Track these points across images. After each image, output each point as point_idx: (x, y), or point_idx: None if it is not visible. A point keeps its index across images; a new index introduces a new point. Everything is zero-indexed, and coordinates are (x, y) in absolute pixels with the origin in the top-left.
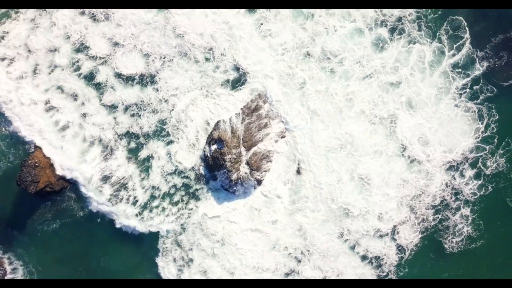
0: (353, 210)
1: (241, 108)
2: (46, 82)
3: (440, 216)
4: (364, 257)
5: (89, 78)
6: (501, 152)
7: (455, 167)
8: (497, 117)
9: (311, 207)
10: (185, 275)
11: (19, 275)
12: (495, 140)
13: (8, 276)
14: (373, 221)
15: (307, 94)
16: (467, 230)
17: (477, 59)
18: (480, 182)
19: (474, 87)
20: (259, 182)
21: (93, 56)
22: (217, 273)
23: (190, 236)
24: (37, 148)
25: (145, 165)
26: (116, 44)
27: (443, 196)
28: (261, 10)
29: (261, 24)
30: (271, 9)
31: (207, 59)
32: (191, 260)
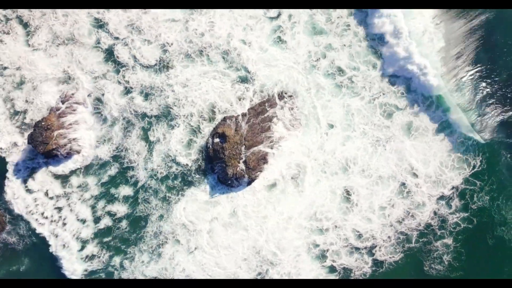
0: (328, 224)
1: (248, 109)
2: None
3: (425, 239)
4: (332, 268)
5: (109, 55)
6: (487, 189)
7: (444, 197)
8: (487, 154)
9: (289, 217)
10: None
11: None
12: (486, 177)
13: None
14: (351, 238)
15: (313, 105)
16: (446, 259)
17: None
18: (466, 214)
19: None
20: (253, 180)
21: (114, 36)
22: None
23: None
24: (52, 111)
25: (149, 148)
26: (137, 29)
27: (430, 222)
28: (279, 19)
29: (278, 32)
30: (289, 20)
31: (221, 59)
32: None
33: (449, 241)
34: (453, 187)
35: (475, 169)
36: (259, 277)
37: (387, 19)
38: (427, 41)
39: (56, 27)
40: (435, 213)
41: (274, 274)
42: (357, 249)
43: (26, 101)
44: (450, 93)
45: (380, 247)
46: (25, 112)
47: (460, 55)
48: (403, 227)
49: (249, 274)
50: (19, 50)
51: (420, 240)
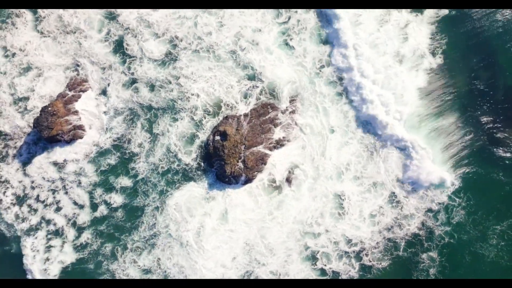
0: (320, 228)
1: (250, 110)
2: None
3: (413, 250)
4: (322, 271)
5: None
6: (464, 204)
7: (432, 210)
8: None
9: (280, 221)
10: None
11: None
12: (469, 195)
13: None
14: (341, 243)
15: (316, 109)
16: (432, 273)
17: None
18: (448, 228)
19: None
20: (250, 180)
21: (124, 27)
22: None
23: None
24: (59, 97)
25: (152, 140)
26: (147, 22)
27: (418, 233)
28: (288, 22)
29: (285, 35)
30: (297, 24)
31: (228, 58)
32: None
33: (434, 254)
34: (439, 203)
35: (455, 187)
36: (248, 275)
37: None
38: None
39: (66, 16)
40: (423, 224)
41: (262, 273)
42: (346, 252)
43: (32, 87)
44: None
45: (367, 253)
46: (29, 97)
47: None
48: (390, 234)
49: (239, 271)
50: (27, 35)
51: (408, 249)
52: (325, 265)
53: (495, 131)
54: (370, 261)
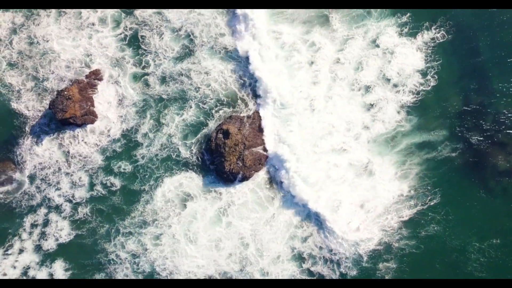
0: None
1: (253, 112)
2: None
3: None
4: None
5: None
6: (438, 218)
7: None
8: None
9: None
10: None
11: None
12: (442, 211)
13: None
14: (325, 250)
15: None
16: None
17: None
18: (414, 242)
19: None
20: (247, 178)
21: (140, 21)
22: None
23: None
24: (75, 83)
25: (158, 130)
26: (164, 17)
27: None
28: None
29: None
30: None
31: (233, 60)
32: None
33: (392, 264)
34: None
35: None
36: (238, 272)
37: None
38: None
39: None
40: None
41: (255, 272)
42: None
43: (51, 71)
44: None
45: (342, 262)
46: (48, 79)
47: None
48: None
49: (227, 267)
50: (50, 26)
51: (371, 260)
52: (312, 266)
53: (480, 151)
54: (345, 269)
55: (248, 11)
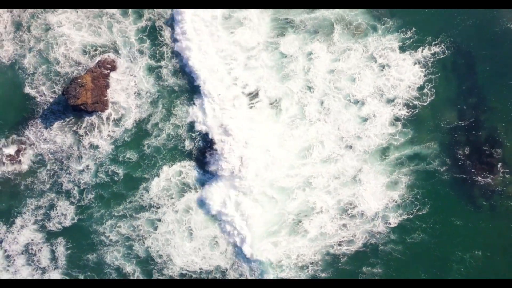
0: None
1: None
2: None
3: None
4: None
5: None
6: (425, 226)
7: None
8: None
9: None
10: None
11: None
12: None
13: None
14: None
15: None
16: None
17: None
18: (400, 247)
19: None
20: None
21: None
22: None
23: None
24: (88, 71)
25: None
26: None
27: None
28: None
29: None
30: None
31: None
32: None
33: (378, 270)
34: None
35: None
36: (230, 270)
37: None
38: None
39: None
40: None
41: (246, 270)
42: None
43: (65, 58)
44: None
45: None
46: (62, 65)
47: None
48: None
49: (220, 261)
50: (66, 14)
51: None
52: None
53: (470, 167)
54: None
55: None
